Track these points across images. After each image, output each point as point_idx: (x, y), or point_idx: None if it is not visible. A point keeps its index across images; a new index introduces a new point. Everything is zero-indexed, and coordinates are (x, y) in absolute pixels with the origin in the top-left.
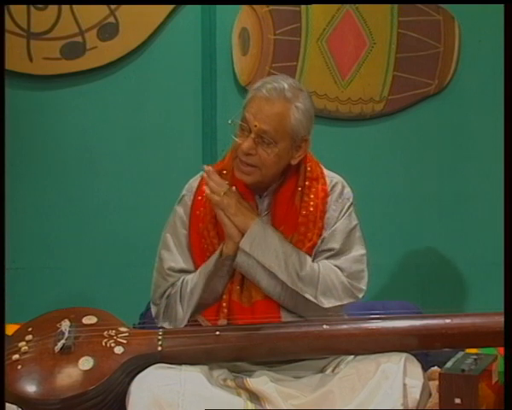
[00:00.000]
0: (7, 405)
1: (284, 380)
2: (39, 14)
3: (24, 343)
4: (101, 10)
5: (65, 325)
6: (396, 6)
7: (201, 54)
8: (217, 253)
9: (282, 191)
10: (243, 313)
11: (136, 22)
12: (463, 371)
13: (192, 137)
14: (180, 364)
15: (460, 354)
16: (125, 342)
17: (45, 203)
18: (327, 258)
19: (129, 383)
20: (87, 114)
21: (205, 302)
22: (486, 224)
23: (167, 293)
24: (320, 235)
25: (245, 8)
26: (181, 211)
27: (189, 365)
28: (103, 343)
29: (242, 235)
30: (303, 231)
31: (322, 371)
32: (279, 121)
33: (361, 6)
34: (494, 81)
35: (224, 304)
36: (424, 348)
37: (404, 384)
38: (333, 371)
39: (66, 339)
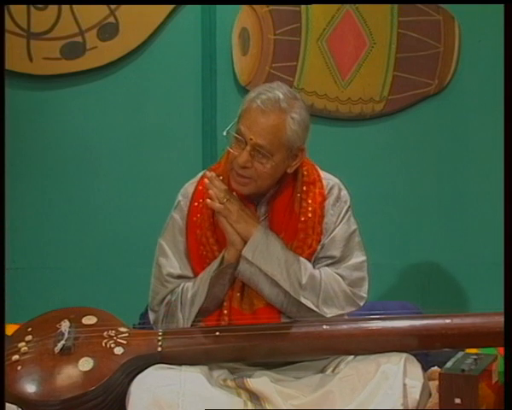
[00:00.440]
0: (7, 405)
1: (284, 380)
2: (39, 14)
3: (24, 344)
4: (101, 10)
5: (65, 326)
6: (396, 6)
7: (201, 54)
8: (218, 260)
9: (279, 198)
10: (244, 320)
11: (136, 22)
12: (463, 371)
13: (192, 137)
14: (180, 364)
15: (460, 354)
16: (124, 342)
17: (45, 203)
18: (327, 265)
19: (129, 384)
20: (87, 114)
21: (206, 309)
22: (486, 224)
23: (166, 300)
24: (319, 241)
25: (245, 8)
26: (177, 217)
27: (188, 365)
28: (103, 344)
29: (244, 242)
30: (302, 238)
31: (322, 371)
32: (275, 134)
33: (361, 6)
34: (494, 81)
35: (225, 311)
36: (424, 348)
37: (404, 385)
38: (333, 371)
39: (65, 340)
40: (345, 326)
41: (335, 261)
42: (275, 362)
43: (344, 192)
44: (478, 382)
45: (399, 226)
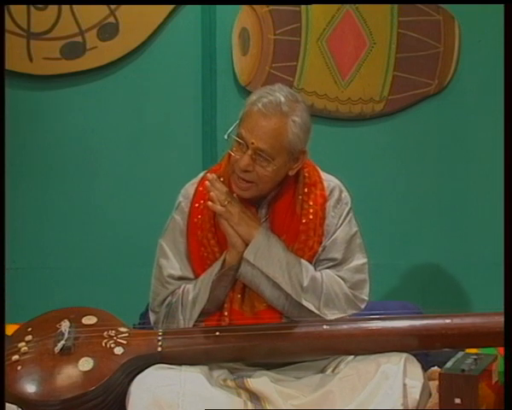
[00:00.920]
0: (7, 405)
1: (284, 380)
2: (39, 14)
3: (24, 344)
4: (101, 10)
5: (65, 326)
6: (396, 6)
7: (201, 54)
8: (219, 263)
9: (280, 200)
10: (245, 321)
11: (136, 22)
12: (463, 371)
13: (192, 137)
14: (180, 364)
15: (460, 354)
16: (124, 342)
17: (45, 203)
18: (328, 268)
19: (129, 384)
20: (87, 114)
21: (206, 311)
22: (486, 224)
23: (167, 301)
24: (320, 242)
25: (245, 8)
26: (178, 218)
27: (188, 365)
28: (103, 344)
29: (246, 244)
30: (303, 240)
31: (322, 371)
32: (276, 137)
33: (361, 6)
34: (494, 81)
35: (226, 313)
36: (424, 348)
37: (404, 385)
38: (333, 371)
39: (65, 340)
40: (345, 326)
41: (337, 264)
42: (275, 362)
43: (345, 194)
44: (478, 382)
45: (399, 226)
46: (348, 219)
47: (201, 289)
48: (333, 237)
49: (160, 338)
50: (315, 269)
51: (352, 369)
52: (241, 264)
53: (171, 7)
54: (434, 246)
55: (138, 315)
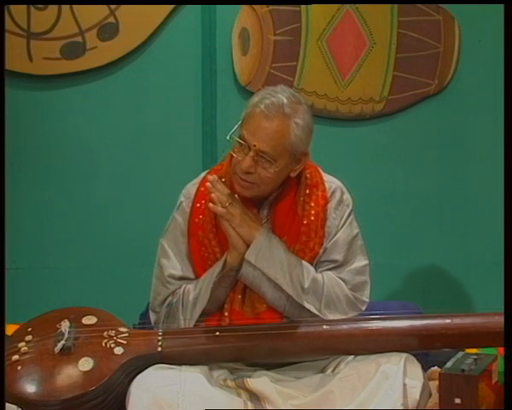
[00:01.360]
0: (7, 405)
1: (284, 380)
2: (39, 14)
3: (24, 344)
4: (101, 10)
5: (65, 326)
6: (396, 6)
7: (201, 54)
8: (220, 264)
9: (281, 201)
10: (245, 322)
11: (136, 22)
12: (463, 371)
13: (192, 137)
14: (180, 364)
15: (460, 354)
16: (124, 342)
17: (45, 203)
18: (329, 269)
19: (129, 384)
20: (87, 114)
21: (207, 311)
22: (486, 224)
23: (167, 301)
24: (321, 244)
25: (245, 8)
26: (179, 218)
27: (188, 365)
28: (103, 344)
29: (247, 245)
30: (304, 241)
31: (322, 371)
32: (278, 139)
33: (361, 6)
34: (494, 81)
35: (226, 313)
36: (424, 348)
37: (404, 385)
38: (333, 371)
39: (65, 340)
40: (345, 326)
41: (338, 265)
42: (275, 362)
43: (346, 195)
44: (478, 382)
45: (399, 226)
46: (349, 220)
47: (202, 290)
48: (334, 239)
49: (159, 338)
50: (316, 271)
51: (352, 369)
52: (243, 265)
53: (171, 7)
54: (434, 246)
55: (138, 315)
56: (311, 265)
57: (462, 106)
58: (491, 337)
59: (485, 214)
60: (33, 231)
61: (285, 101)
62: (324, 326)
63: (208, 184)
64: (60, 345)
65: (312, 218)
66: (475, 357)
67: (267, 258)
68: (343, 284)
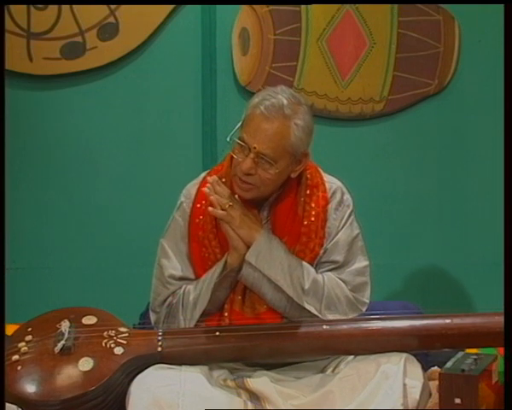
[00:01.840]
0: (7, 405)
1: (284, 380)
2: (39, 14)
3: (24, 344)
4: (101, 10)
5: (65, 326)
6: (396, 6)
7: (201, 54)
8: (221, 265)
9: (282, 202)
10: (245, 322)
11: (136, 22)
12: (463, 371)
13: (192, 137)
14: (180, 364)
15: (460, 354)
16: (124, 342)
17: (45, 203)
18: (330, 270)
19: (129, 384)
20: (87, 114)
21: (207, 312)
22: (486, 224)
23: (168, 301)
24: (321, 245)
25: (245, 8)
26: (179, 219)
27: (188, 365)
28: (103, 344)
29: (247, 247)
30: (305, 242)
31: (322, 371)
32: (278, 141)
33: (361, 6)
34: (494, 81)
35: (226, 314)
36: (424, 348)
37: (404, 385)
38: (333, 371)
39: (65, 340)
40: (345, 326)
41: (338, 266)
42: (275, 362)
43: (347, 196)
44: (478, 382)
45: (399, 226)
46: (350, 221)
47: (203, 291)
48: (334, 240)
49: (159, 338)
50: (316, 272)
51: (351, 369)
52: (243, 266)
53: (171, 7)
54: (434, 246)
55: (138, 315)
56: (312, 266)
57: (462, 106)
58: (491, 337)
59: (485, 214)
60: (33, 231)
61: (285, 102)
62: (324, 326)
63: (205, 189)
64: (60, 345)
65: (313, 218)
66: (475, 357)
67: (267, 259)
68: (343, 284)
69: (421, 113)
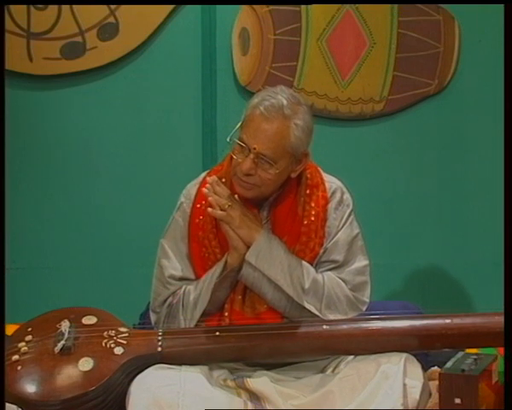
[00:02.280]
0: (7, 405)
1: (284, 380)
2: (39, 14)
3: (24, 344)
4: (101, 10)
5: (65, 326)
6: (396, 6)
7: (201, 54)
8: (221, 265)
9: (282, 202)
10: (245, 322)
11: (136, 22)
12: (463, 371)
13: (192, 137)
14: (180, 364)
15: (460, 354)
16: (124, 342)
17: (45, 203)
18: (330, 270)
19: (129, 384)
20: (87, 114)
21: (207, 312)
22: (486, 224)
23: (168, 302)
24: (321, 244)
25: (245, 8)
26: (179, 219)
27: (188, 365)
28: (103, 344)
29: (247, 247)
30: (305, 241)
31: (322, 371)
32: (278, 141)
33: (361, 6)
34: (494, 81)
35: (226, 313)
36: (424, 348)
37: (404, 385)
38: (333, 371)
39: (65, 340)
40: (345, 326)
41: (338, 266)
42: (275, 362)
43: (346, 195)
44: (478, 382)
45: (399, 226)
46: (350, 220)
47: (203, 291)
48: (334, 239)
49: (159, 338)
50: (316, 271)
51: (351, 369)
52: (243, 266)
53: (171, 7)
54: (434, 246)
55: (138, 315)
56: (312, 265)
57: (462, 106)
58: (491, 337)
59: (485, 214)
60: (33, 231)
61: (285, 102)
62: (324, 326)
63: (205, 190)
64: (60, 345)
65: (313, 218)
66: (475, 357)
67: (267, 259)
68: (343, 284)
69: (421, 113)
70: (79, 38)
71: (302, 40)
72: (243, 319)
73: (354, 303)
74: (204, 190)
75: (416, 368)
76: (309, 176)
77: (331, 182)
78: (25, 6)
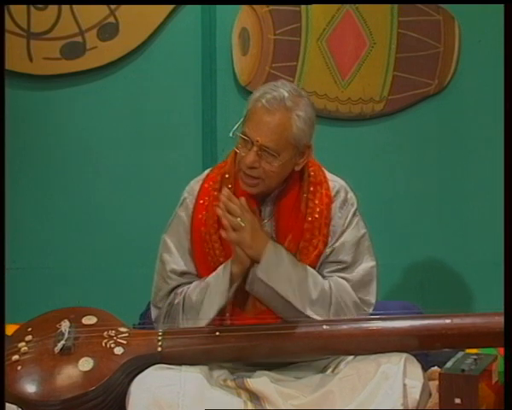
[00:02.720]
0: (7, 405)
1: (284, 380)
2: (39, 14)
3: (24, 344)
4: (101, 10)
5: (65, 326)
6: (396, 6)
7: (201, 54)
8: (227, 278)
9: (285, 198)
10: (245, 322)
11: (136, 22)
12: (463, 371)
13: (192, 137)
14: (180, 364)
15: (460, 354)
16: (124, 342)
17: (45, 203)
18: (337, 270)
19: (129, 384)
20: (87, 114)
21: None
22: (486, 224)
23: (170, 298)
24: (325, 242)
25: (245, 8)
26: (182, 214)
27: (188, 365)
28: (103, 344)
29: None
30: (308, 238)
31: (322, 371)
32: (281, 133)
33: (361, 6)
34: (494, 81)
35: (227, 314)
36: (424, 348)
37: (404, 385)
38: (333, 371)
39: (65, 340)
40: (345, 326)
41: (346, 267)
42: (275, 362)
43: (350, 195)
44: (478, 382)
45: (399, 226)
46: (356, 220)
47: (205, 301)
48: (341, 240)
49: (159, 338)
50: (323, 272)
51: (351, 369)
52: (255, 282)
53: (171, 7)
54: (434, 246)
55: (138, 315)
56: (316, 263)
57: (462, 106)
58: (491, 337)
59: (485, 214)
60: (33, 231)
61: (286, 94)
62: (324, 326)
63: (218, 210)
64: (60, 345)
65: (316, 215)
66: (475, 357)
67: (276, 274)
68: (351, 290)
69: (421, 113)
70: (79, 38)
71: (302, 40)
72: (244, 319)
73: (361, 307)
74: (218, 210)
75: (415, 368)
76: (312, 173)
77: (335, 181)
78: (25, 6)
